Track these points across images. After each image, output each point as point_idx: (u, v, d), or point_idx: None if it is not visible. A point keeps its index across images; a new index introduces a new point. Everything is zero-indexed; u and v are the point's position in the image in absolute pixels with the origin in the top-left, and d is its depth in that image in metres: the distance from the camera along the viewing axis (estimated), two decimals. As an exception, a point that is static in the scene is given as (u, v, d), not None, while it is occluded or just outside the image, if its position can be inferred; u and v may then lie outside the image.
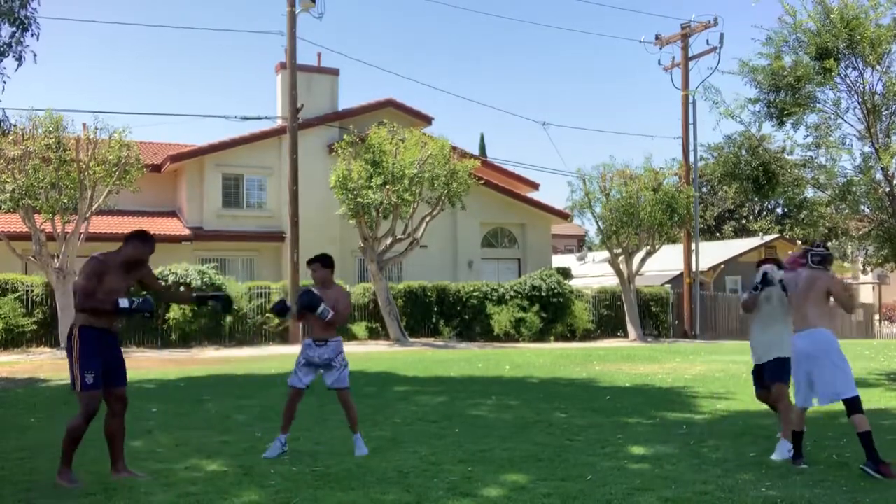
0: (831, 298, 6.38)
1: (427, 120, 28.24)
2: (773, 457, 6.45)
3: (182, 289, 15.78)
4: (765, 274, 6.84)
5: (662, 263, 31.98)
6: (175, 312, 19.72)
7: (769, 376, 6.89)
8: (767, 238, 39.49)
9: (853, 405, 5.95)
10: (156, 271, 20.07)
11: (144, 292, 6.44)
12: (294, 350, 20.82)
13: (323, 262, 6.68)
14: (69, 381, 5.67)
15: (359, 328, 22.45)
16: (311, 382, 6.65)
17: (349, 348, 19.74)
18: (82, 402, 5.54)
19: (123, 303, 5.58)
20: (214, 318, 20.40)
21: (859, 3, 11.76)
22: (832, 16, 11.67)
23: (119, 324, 6.02)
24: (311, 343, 6.57)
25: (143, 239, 5.89)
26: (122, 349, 6.01)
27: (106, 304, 5.56)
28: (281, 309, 7.00)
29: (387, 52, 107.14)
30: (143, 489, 5.37)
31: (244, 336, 21.26)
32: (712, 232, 49.70)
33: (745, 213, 50.95)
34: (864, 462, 5.80)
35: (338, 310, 6.51)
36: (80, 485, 5.47)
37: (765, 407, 9.33)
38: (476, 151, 39.28)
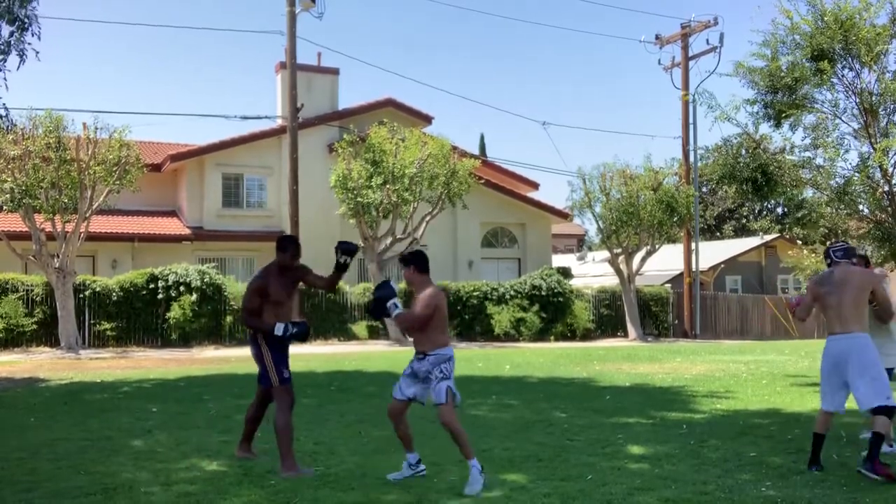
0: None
1: (427, 120, 28.25)
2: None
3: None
4: None
5: (662, 263, 31.97)
6: (175, 312, 19.71)
7: None
8: (767, 238, 39.47)
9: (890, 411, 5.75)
10: (155, 271, 20.16)
11: (301, 319, 6.55)
12: (294, 350, 20.72)
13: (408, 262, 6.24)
14: (264, 377, 5.98)
15: (359, 328, 22.48)
16: (420, 397, 5.68)
17: (349, 348, 19.81)
18: (283, 395, 5.91)
19: (279, 329, 5.84)
20: (215, 317, 20.43)
21: (852, 5, 11.78)
22: (826, 17, 11.68)
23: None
24: (415, 354, 5.72)
25: (281, 247, 6.09)
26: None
27: (264, 328, 5.89)
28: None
29: (387, 52, 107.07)
30: (143, 489, 5.38)
31: (244, 336, 21.22)
32: (712, 232, 49.70)
33: (745, 213, 50.95)
34: (861, 463, 5.71)
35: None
36: (311, 472, 5.82)
37: (765, 407, 9.41)
38: (476, 151, 39.26)
